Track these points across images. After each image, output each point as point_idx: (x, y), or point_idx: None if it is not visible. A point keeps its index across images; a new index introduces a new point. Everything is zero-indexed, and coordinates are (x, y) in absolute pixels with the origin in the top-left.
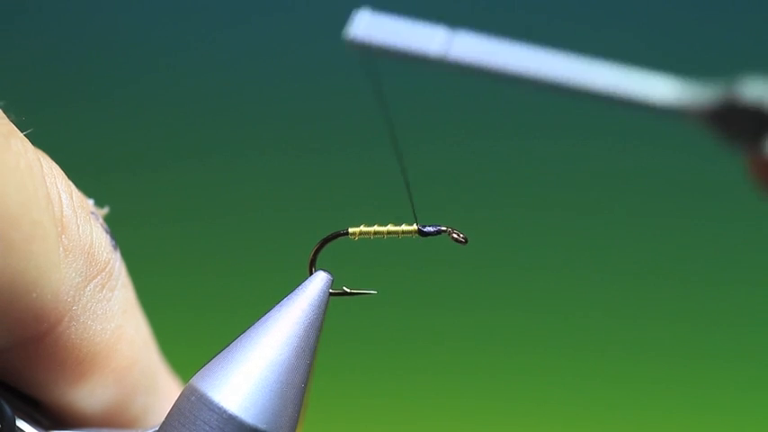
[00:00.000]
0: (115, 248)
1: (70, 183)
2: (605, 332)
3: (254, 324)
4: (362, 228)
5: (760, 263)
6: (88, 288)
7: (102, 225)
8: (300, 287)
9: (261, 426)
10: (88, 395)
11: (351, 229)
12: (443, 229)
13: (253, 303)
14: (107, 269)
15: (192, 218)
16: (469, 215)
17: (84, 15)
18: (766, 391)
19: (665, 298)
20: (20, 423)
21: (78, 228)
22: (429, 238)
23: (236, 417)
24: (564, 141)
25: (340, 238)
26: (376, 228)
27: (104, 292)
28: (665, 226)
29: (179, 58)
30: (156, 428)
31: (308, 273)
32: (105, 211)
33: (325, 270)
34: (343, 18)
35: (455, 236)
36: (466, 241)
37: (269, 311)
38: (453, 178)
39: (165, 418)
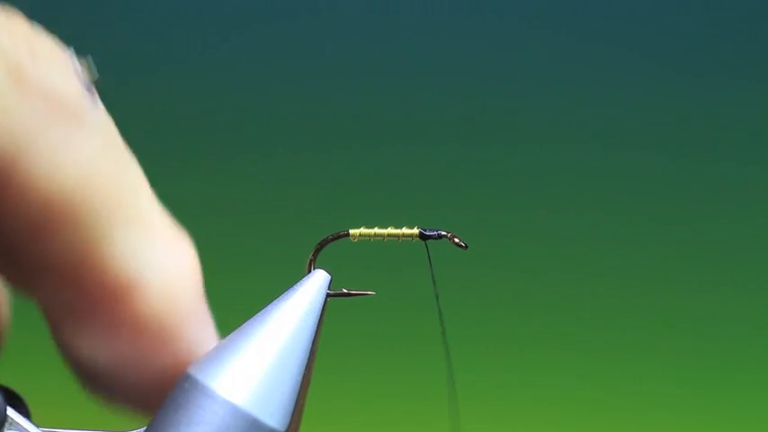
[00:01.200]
0: (91, 93)
1: (31, 29)
2: (607, 334)
3: (249, 319)
4: (363, 230)
5: (760, 264)
6: (51, 130)
7: (76, 71)
8: (298, 283)
9: (254, 412)
10: (46, 253)
11: (351, 231)
12: (444, 233)
13: (251, 304)
14: (76, 112)
15: (192, 217)
16: (470, 216)
17: (84, 15)
18: (766, 393)
19: (664, 299)
20: (14, 416)
21: (37, 69)
22: (429, 240)
23: (229, 401)
24: (563, 144)
25: (340, 239)
26: (377, 230)
27: (71, 133)
28: (664, 227)
29: (180, 58)
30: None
31: (306, 273)
32: (87, 61)
33: (323, 269)
34: (343, 18)
35: (456, 240)
36: (466, 247)
37: (264, 307)
38: (454, 180)
39: (159, 407)
